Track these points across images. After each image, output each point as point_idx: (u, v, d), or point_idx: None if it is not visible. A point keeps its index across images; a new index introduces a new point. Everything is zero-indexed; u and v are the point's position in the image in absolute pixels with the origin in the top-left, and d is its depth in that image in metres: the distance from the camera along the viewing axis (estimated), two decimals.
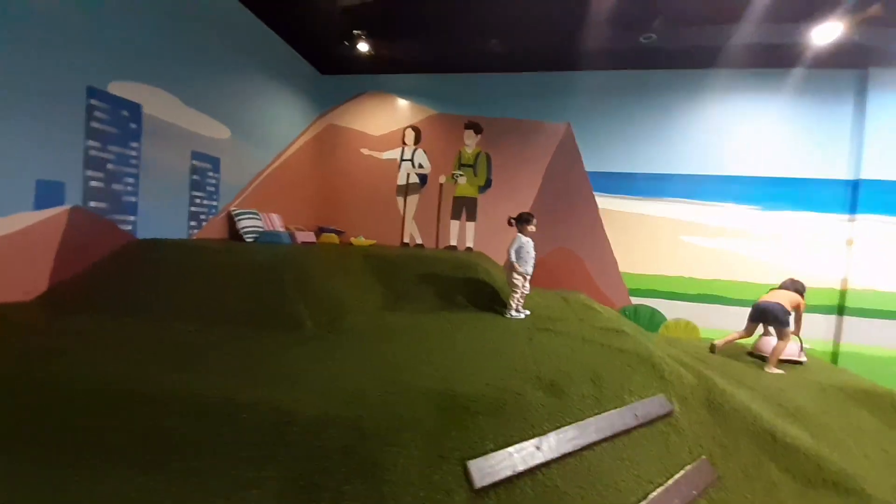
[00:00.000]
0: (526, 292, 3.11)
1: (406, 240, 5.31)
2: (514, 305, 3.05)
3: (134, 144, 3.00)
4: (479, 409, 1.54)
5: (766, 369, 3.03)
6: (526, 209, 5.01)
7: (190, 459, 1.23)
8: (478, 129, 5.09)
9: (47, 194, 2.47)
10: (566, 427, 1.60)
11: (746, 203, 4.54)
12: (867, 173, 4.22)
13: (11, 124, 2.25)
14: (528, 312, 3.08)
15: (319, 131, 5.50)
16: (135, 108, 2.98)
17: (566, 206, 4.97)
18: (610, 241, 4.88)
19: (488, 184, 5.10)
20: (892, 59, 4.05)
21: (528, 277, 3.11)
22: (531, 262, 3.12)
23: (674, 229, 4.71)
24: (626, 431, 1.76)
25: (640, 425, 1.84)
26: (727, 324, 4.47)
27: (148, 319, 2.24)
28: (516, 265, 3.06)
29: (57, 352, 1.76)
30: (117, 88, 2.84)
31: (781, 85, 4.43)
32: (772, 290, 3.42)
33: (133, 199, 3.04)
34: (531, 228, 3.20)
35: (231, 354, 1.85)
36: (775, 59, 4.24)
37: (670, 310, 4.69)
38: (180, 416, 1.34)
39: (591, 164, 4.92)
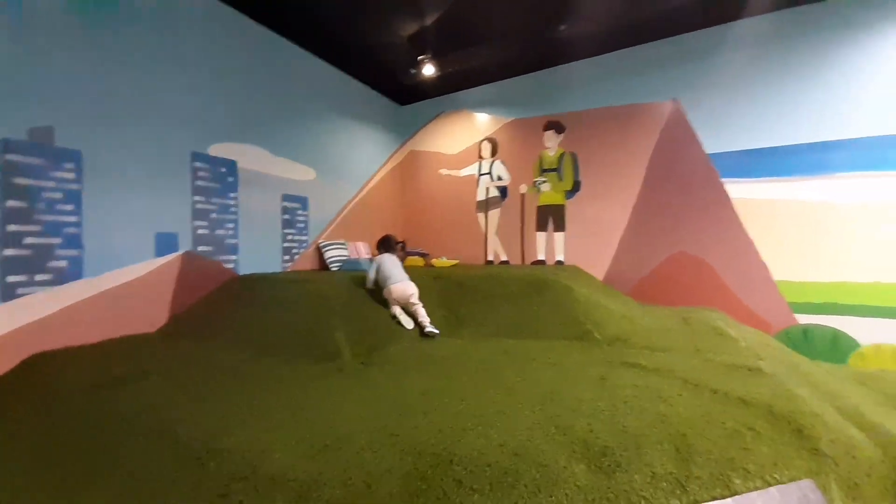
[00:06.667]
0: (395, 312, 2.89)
1: (490, 257, 5.00)
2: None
3: (232, 195, 3.50)
4: (475, 484, 1.16)
5: None
6: (627, 211, 4.21)
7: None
8: (559, 129, 4.54)
9: (165, 244, 3.02)
10: None
11: None
12: None
13: (133, 190, 2.83)
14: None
15: (402, 159, 5.72)
16: (231, 165, 3.49)
17: (682, 200, 3.96)
18: (753, 241, 3.67)
19: (577, 187, 4.45)
20: None
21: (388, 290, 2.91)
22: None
23: (859, 216, 3.27)
24: None
25: None
26: None
27: (216, 345, 2.49)
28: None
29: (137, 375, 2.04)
30: (216, 150, 3.38)
31: None
32: None
33: (234, 241, 3.53)
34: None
35: (245, 387, 1.86)
36: None
37: (865, 331, 3.22)
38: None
39: (713, 143, 3.84)
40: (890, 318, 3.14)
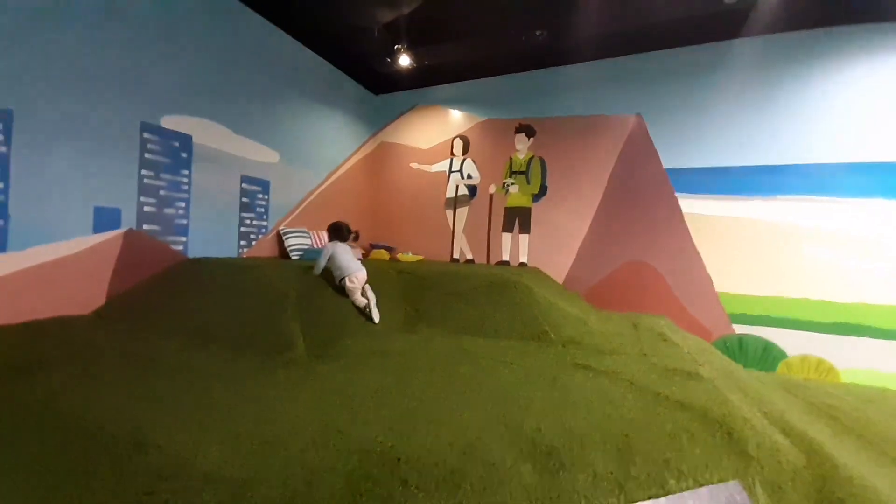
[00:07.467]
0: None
1: (456, 255, 5.01)
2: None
3: (185, 172, 3.28)
4: (421, 483, 1.14)
5: None
6: (588, 217, 4.36)
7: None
8: (530, 132, 4.61)
9: (104, 219, 2.78)
10: None
11: None
12: None
13: (71, 158, 2.58)
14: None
15: (372, 149, 5.60)
16: (186, 139, 3.27)
17: (639, 211, 4.15)
18: (700, 254, 3.91)
19: (543, 191, 4.55)
20: None
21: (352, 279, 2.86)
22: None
23: (795, 237, 3.55)
24: None
25: None
26: (880, 363, 3.19)
27: (156, 332, 2.32)
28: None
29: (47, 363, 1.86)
30: (169, 122, 3.14)
31: None
32: None
33: (184, 221, 3.31)
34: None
35: (183, 378, 1.74)
36: None
37: (793, 343, 3.51)
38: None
39: (670, 159, 4.04)
40: (815, 331, 3.44)
